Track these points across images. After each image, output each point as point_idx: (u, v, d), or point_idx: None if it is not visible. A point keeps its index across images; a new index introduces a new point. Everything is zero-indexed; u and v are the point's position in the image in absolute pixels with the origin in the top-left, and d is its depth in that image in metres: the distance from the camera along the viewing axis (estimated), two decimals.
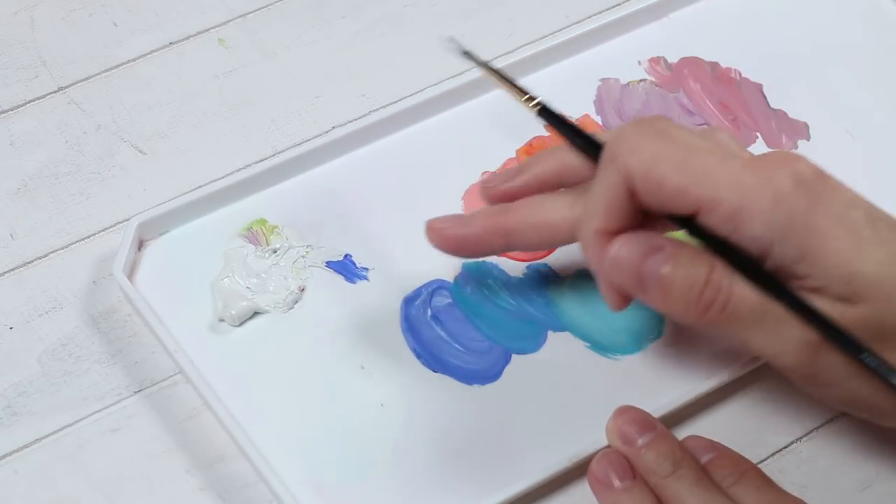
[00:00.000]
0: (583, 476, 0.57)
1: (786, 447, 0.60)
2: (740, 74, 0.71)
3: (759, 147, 0.69)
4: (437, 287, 0.62)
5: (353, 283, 0.62)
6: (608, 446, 0.57)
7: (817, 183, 0.53)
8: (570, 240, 0.57)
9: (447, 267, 0.63)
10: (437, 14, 0.72)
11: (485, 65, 0.61)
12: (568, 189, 0.59)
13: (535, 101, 0.59)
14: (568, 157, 0.58)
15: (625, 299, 0.56)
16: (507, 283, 0.63)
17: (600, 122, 0.69)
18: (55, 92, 0.68)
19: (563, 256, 0.63)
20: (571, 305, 0.62)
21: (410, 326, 0.61)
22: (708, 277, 0.53)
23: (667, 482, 0.55)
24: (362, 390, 0.60)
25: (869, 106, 0.70)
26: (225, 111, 0.68)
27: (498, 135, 0.65)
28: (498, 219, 0.59)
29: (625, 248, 0.54)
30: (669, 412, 0.59)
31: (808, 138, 0.69)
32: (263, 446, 0.57)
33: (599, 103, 0.69)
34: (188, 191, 0.64)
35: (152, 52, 0.70)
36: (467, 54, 0.61)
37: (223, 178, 0.64)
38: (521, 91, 0.60)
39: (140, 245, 0.62)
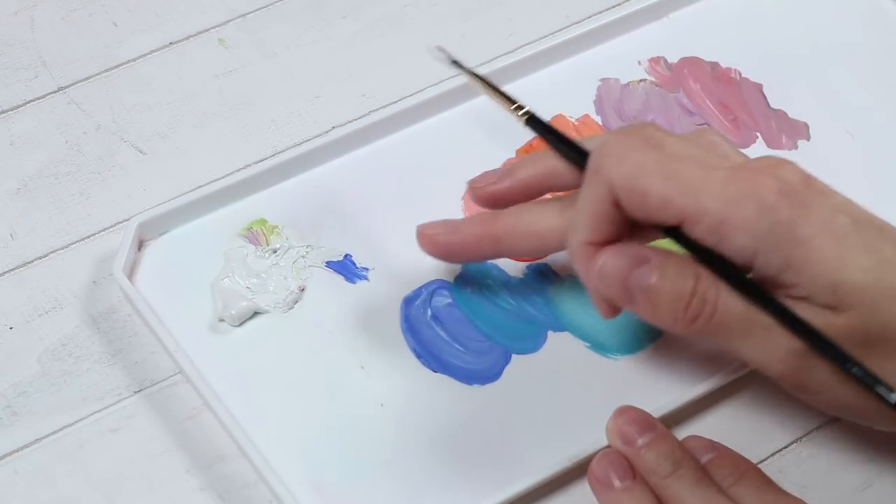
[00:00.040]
0: (583, 476, 0.57)
1: (786, 447, 0.60)
2: (740, 74, 0.71)
3: (759, 147, 0.69)
4: (437, 287, 0.62)
5: (353, 283, 0.62)
6: (608, 446, 0.57)
7: (803, 190, 0.54)
8: (559, 248, 0.58)
9: (447, 267, 0.63)
10: (437, 14, 0.72)
11: (473, 73, 0.61)
12: (557, 197, 0.59)
13: (524, 111, 0.59)
14: (555, 162, 0.59)
15: (615, 309, 0.56)
16: (507, 283, 0.63)
17: (600, 122, 0.69)
18: (55, 92, 0.68)
19: (562, 256, 0.63)
20: (571, 305, 0.62)
21: (410, 326, 0.61)
22: (694, 288, 0.54)
23: (667, 482, 0.55)
24: (362, 390, 0.60)
25: (869, 106, 0.70)
26: (225, 111, 0.68)
27: (498, 135, 0.65)
28: (488, 226, 0.59)
29: (611, 261, 0.55)
30: (669, 412, 0.59)
31: (808, 138, 0.69)
32: (263, 446, 0.57)
33: (599, 103, 0.69)
34: (188, 191, 0.64)
35: (152, 52, 0.70)
36: (456, 63, 0.61)
37: (223, 178, 0.64)
38: (509, 100, 0.60)
39: (140, 245, 0.62)
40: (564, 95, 0.69)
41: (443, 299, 0.62)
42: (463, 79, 0.67)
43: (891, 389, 0.52)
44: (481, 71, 0.65)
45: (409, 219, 0.63)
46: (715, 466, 0.56)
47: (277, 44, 0.71)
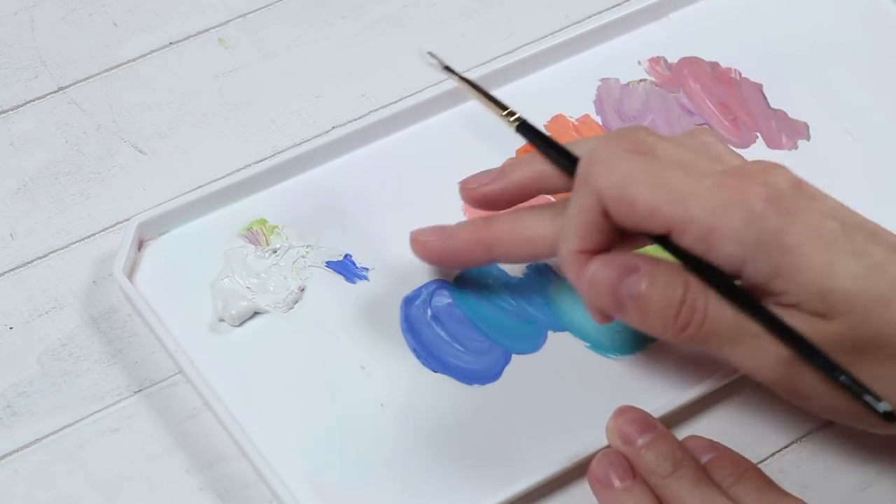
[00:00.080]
0: (583, 476, 0.57)
1: (786, 447, 0.60)
2: (740, 74, 0.71)
3: (759, 147, 0.69)
4: (437, 287, 0.62)
5: (353, 283, 0.62)
6: (608, 446, 0.57)
7: (791, 196, 0.54)
8: (552, 255, 0.58)
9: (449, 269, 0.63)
10: (437, 14, 0.72)
11: (464, 79, 0.61)
12: (550, 204, 0.60)
13: (515, 117, 0.60)
14: (547, 165, 0.59)
15: (608, 316, 0.57)
16: (507, 283, 0.63)
17: (600, 122, 0.69)
18: (55, 92, 0.68)
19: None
20: (571, 305, 0.62)
21: (410, 326, 0.61)
22: (684, 297, 0.54)
23: (667, 482, 0.55)
24: (362, 390, 0.60)
25: (869, 106, 0.70)
26: (225, 111, 0.68)
27: (498, 135, 0.65)
28: (480, 233, 0.60)
29: (601, 271, 0.55)
30: (669, 412, 0.59)
31: (808, 138, 0.69)
32: (263, 446, 0.57)
33: (599, 103, 0.69)
34: (188, 191, 0.64)
35: (152, 52, 0.70)
36: (448, 69, 0.62)
37: (223, 178, 0.64)
38: (501, 106, 0.60)
39: (140, 245, 0.62)
40: (564, 95, 0.69)
41: (443, 299, 0.62)
42: None
43: (878, 398, 0.52)
44: (477, 73, 0.65)
45: (409, 219, 0.63)
46: (715, 466, 0.56)
47: (277, 44, 0.71)
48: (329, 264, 0.63)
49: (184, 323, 0.60)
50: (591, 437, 0.57)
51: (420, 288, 0.62)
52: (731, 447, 0.57)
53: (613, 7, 0.73)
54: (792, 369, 0.53)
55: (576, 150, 0.58)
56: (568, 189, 0.57)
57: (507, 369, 0.61)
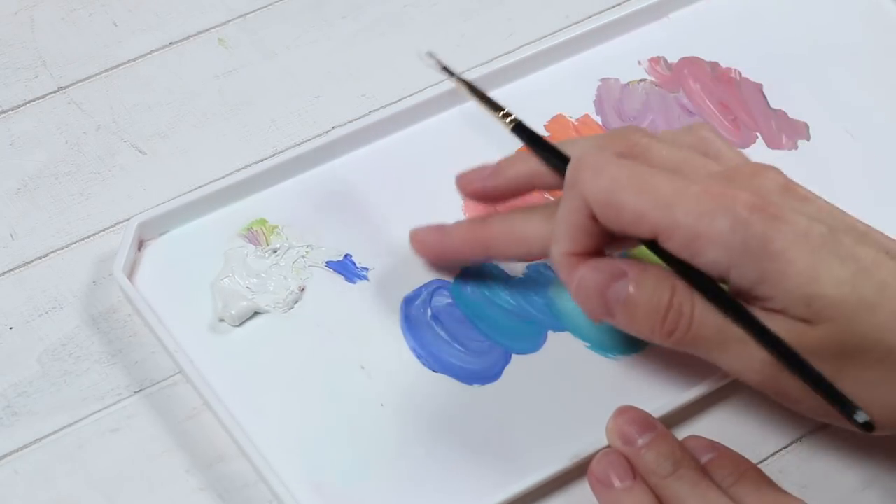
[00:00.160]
0: (583, 476, 0.57)
1: (786, 447, 0.60)
2: (740, 74, 0.71)
3: (759, 147, 0.69)
4: (437, 287, 0.62)
5: (353, 283, 0.62)
6: (608, 446, 0.57)
7: (779, 199, 0.54)
8: (545, 254, 0.58)
9: (447, 267, 0.63)
10: (437, 14, 0.72)
11: (462, 80, 0.61)
12: (545, 204, 0.60)
13: (511, 118, 0.60)
14: (541, 164, 0.59)
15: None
16: (507, 283, 0.63)
17: (600, 122, 0.69)
18: (55, 92, 0.68)
19: None
20: (571, 305, 0.62)
21: (410, 326, 0.61)
22: (670, 302, 0.54)
23: (667, 482, 0.55)
24: (362, 390, 0.60)
25: (869, 106, 0.70)
26: (225, 111, 0.68)
27: (498, 135, 0.65)
28: (476, 231, 0.61)
29: (589, 275, 0.55)
30: (669, 412, 0.59)
31: (808, 138, 0.69)
32: (263, 446, 0.57)
33: (599, 103, 0.69)
34: (188, 191, 0.64)
35: (152, 52, 0.70)
36: (446, 69, 0.62)
37: (223, 178, 0.64)
38: (497, 107, 0.60)
39: (140, 245, 0.62)
40: (564, 95, 0.69)
41: (443, 299, 0.62)
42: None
43: (856, 408, 0.52)
44: (477, 73, 0.66)
45: (409, 219, 0.63)
46: (715, 466, 0.56)
47: (277, 44, 0.71)
48: (329, 264, 0.63)
49: (184, 323, 0.60)
50: (591, 437, 0.57)
51: (420, 288, 0.62)
52: (731, 447, 0.57)
53: (613, 7, 0.73)
54: (778, 373, 0.54)
55: (570, 150, 0.58)
56: (561, 187, 0.57)
57: (507, 369, 0.61)
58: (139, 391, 0.59)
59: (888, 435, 0.56)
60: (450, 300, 0.62)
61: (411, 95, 0.69)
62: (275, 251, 0.63)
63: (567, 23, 0.72)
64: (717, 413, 0.60)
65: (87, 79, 0.69)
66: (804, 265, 0.52)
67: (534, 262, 0.63)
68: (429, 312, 0.62)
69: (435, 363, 0.60)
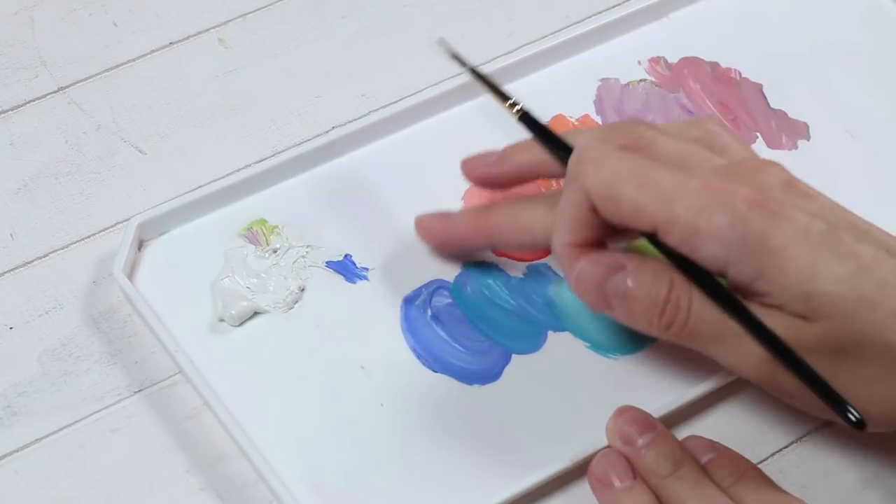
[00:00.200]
0: (583, 476, 0.57)
1: (786, 447, 0.60)
2: (740, 74, 0.71)
3: (759, 147, 0.69)
4: (437, 287, 0.62)
5: (353, 283, 0.62)
6: (608, 446, 0.57)
7: (781, 195, 0.54)
8: (547, 243, 0.58)
9: (447, 267, 0.63)
10: (437, 14, 0.72)
11: (471, 69, 0.61)
12: (549, 194, 0.60)
13: (518, 108, 0.60)
14: (545, 153, 0.60)
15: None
16: (507, 283, 0.63)
17: (600, 122, 0.69)
18: (55, 92, 0.68)
19: None
20: (571, 305, 0.62)
21: (410, 326, 0.61)
22: (668, 296, 0.55)
23: (667, 482, 0.55)
24: (362, 390, 0.60)
25: (869, 106, 0.70)
26: (225, 111, 0.68)
27: (498, 135, 0.65)
28: (480, 220, 0.61)
29: (588, 268, 0.56)
30: (669, 412, 0.59)
31: (808, 138, 0.69)
32: (263, 446, 0.57)
33: (599, 103, 0.69)
34: (188, 191, 0.64)
35: (152, 52, 0.70)
36: (455, 57, 0.62)
37: (223, 178, 0.64)
38: (505, 97, 0.60)
39: (140, 245, 0.62)
40: (564, 95, 0.69)
41: (443, 299, 0.62)
42: (462, 79, 0.68)
43: (849, 406, 0.52)
44: (480, 68, 0.65)
45: (409, 219, 0.63)
46: (715, 466, 0.56)
47: (277, 44, 0.71)
48: (329, 264, 0.63)
49: (184, 323, 0.60)
50: (591, 437, 0.57)
51: (420, 288, 0.62)
52: (731, 447, 0.57)
53: (613, 7, 0.73)
54: (774, 368, 0.54)
55: (574, 141, 0.58)
56: (564, 176, 0.57)
57: (507, 369, 0.61)
58: (139, 391, 0.59)
59: (886, 432, 0.56)
60: (450, 300, 0.62)
61: (411, 95, 0.69)
62: (275, 251, 0.63)
63: (567, 23, 0.72)
64: (718, 413, 0.60)
65: (87, 79, 0.69)
66: (803, 262, 0.53)
67: (534, 262, 0.63)
68: (429, 312, 0.62)
69: (435, 363, 0.60)
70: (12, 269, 0.62)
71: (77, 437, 0.58)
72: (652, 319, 0.55)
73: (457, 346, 0.61)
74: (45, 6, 0.71)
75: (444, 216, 0.62)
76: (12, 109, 0.67)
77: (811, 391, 0.53)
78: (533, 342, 0.61)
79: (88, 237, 0.64)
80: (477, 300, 0.62)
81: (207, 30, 0.71)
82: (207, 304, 0.61)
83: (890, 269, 0.53)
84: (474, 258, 0.63)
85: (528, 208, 0.60)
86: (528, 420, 0.59)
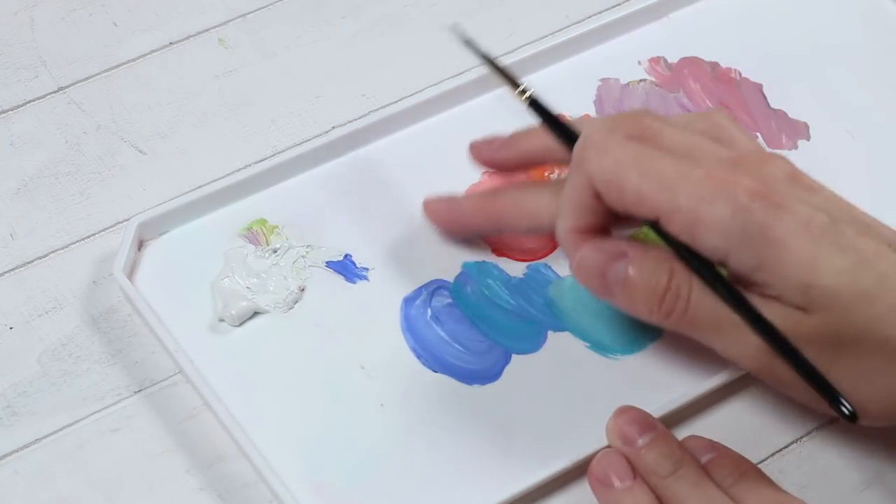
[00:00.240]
0: (583, 476, 0.57)
1: (786, 447, 0.60)
2: (740, 74, 0.71)
3: None
4: (437, 287, 0.62)
5: (353, 283, 0.62)
6: (608, 446, 0.57)
7: (784, 188, 0.54)
8: (552, 228, 0.59)
9: (447, 267, 0.63)
10: (437, 14, 0.72)
11: (484, 55, 0.61)
12: (553, 181, 0.61)
13: (527, 94, 0.60)
14: (552, 140, 0.60)
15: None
16: (507, 283, 0.63)
17: None
18: (55, 92, 0.68)
19: (563, 256, 0.63)
20: (571, 305, 0.62)
21: (410, 326, 0.61)
22: (668, 284, 0.55)
23: (667, 482, 0.55)
24: (362, 390, 0.60)
25: (869, 106, 0.70)
26: (225, 111, 0.68)
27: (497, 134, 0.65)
28: (487, 204, 0.62)
29: (589, 254, 0.56)
30: (669, 412, 0.59)
31: (808, 138, 0.69)
32: (263, 446, 0.57)
33: (599, 103, 0.69)
34: (188, 191, 0.64)
35: (152, 52, 0.70)
36: (468, 43, 0.62)
37: (223, 178, 0.64)
38: (515, 83, 0.61)
39: (140, 245, 0.62)
40: (564, 95, 0.69)
41: (443, 299, 0.62)
42: (463, 79, 0.68)
43: (842, 398, 0.52)
44: (477, 73, 0.66)
45: (409, 219, 0.63)
46: (715, 466, 0.56)
47: (277, 44, 0.71)
48: (329, 264, 0.63)
49: (184, 323, 0.60)
50: (591, 437, 0.57)
51: (420, 288, 0.62)
52: (731, 447, 0.57)
53: (613, 7, 0.73)
54: (772, 359, 0.54)
55: (582, 128, 0.59)
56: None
57: (507, 369, 0.61)
58: (139, 391, 0.59)
59: (886, 430, 0.56)
60: (450, 300, 0.62)
61: (411, 95, 0.69)
62: (275, 251, 0.63)
63: (567, 23, 0.72)
64: (718, 413, 0.60)
65: (87, 79, 0.69)
66: (803, 254, 0.53)
67: (534, 262, 0.63)
68: (429, 312, 0.62)
69: (435, 363, 0.60)
70: (12, 269, 0.62)
71: (77, 437, 0.58)
72: (652, 307, 0.55)
73: (457, 345, 0.61)
74: (45, 6, 0.71)
75: (452, 199, 0.63)
76: (12, 109, 0.67)
77: (806, 383, 0.53)
78: (533, 342, 0.61)
79: (88, 237, 0.64)
80: (477, 300, 0.62)
81: (207, 30, 0.71)
82: (207, 304, 0.61)
83: (891, 263, 0.53)
84: (477, 244, 0.63)
85: (535, 193, 0.60)
86: (528, 420, 0.59)
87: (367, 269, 0.63)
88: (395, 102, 0.68)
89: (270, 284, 0.62)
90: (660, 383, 0.60)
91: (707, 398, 0.60)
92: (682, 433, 0.58)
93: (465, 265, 0.63)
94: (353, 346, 0.61)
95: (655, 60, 0.71)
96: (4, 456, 0.58)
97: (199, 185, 0.64)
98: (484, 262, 0.63)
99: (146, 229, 0.62)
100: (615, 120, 0.59)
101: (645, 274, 0.55)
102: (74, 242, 0.63)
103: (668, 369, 0.61)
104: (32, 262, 0.63)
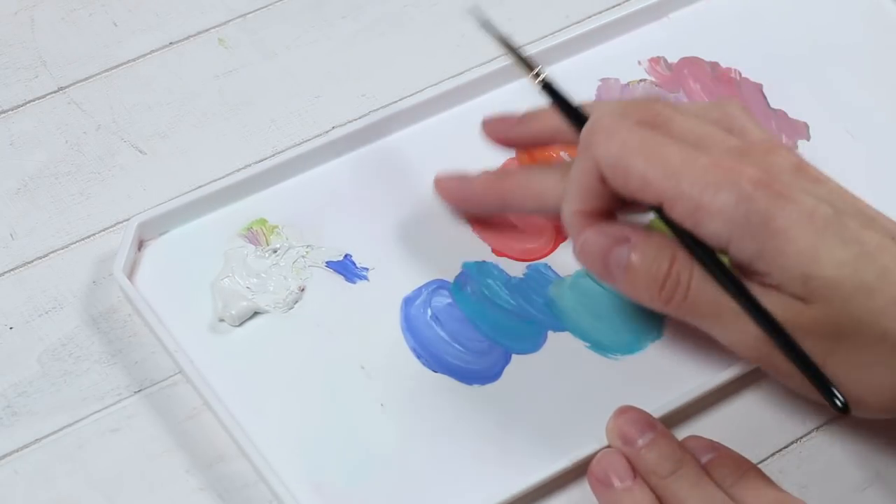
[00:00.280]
0: (583, 476, 0.57)
1: (786, 447, 0.60)
2: (740, 74, 0.71)
3: None
4: (437, 287, 0.62)
5: (353, 283, 0.62)
6: (608, 446, 0.57)
7: (789, 179, 0.54)
8: (558, 209, 0.59)
9: (447, 267, 0.63)
10: (437, 14, 0.72)
11: (501, 37, 0.62)
12: (561, 163, 0.61)
13: (541, 77, 0.60)
14: (563, 122, 0.60)
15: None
16: (507, 283, 0.63)
17: None
18: (55, 92, 0.68)
19: (563, 256, 0.64)
20: (571, 305, 0.62)
21: (410, 326, 0.61)
22: (669, 270, 0.55)
23: (667, 482, 0.55)
24: (362, 390, 0.60)
25: (869, 106, 0.70)
26: (225, 111, 0.68)
27: None
28: (496, 182, 0.62)
29: (592, 238, 0.57)
30: (669, 412, 0.59)
31: (808, 138, 0.69)
32: (263, 446, 0.57)
33: None
34: (188, 191, 0.64)
35: (152, 52, 0.70)
36: (486, 25, 0.62)
37: (223, 178, 0.64)
38: (530, 66, 0.61)
39: (140, 245, 0.62)
40: None
41: (443, 299, 0.62)
42: (462, 79, 0.68)
43: (834, 389, 0.53)
44: (478, 73, 0.66)
45: (409, 219, 0.63)
46: (715, 466, 0.56)
47: (277, 44, 0.71)
48: (329, 264, 0.63)
49: (184, 323, 0.60)
50: (591, 437, 0.57)
51: (420, 288, 0.62)
52: (731, 447, 0.57)
53: (613, 7, 0.73)
54: (771, 349, 0.54)
55: (592, 112, 0.59)
56: None
57: (507, 369, 0.61)
58: (139, 391, 0.59)
59: (884, 420, 0.56)
60: (450, 300, 0.62)
61: (411, 95, 0.69)
62: (275, 251, 0.63)
63: (567, 23, 0.72)
64: (718, 413, 0.60)
65: (87, 79, 0.69)
66: (804, 244, 0.53)
67: (534, 262, 0.63)
68: (429, 312, 0.62)
69: (435, 363, 0.60)
70: (12, 269, 0.62)
71: (77, 437, 0.58)
72: (652, 293, 0.56)
73: (457, 346, 0.61)
74: (45, 6, 0.71)
75: (462, 177, 0.63)
76: (12, 109, 0.67)
77: (801, 372, 0.53)
78: (533, 342, 0.61)
79: (88, 237, 0.64)
80: (477, 300, 0.62)
81: (207, 30, 0.71)
82: (207, 304, 0.61)
83: (893, 256, 0.54)
84: (478, 243, 0.63)
85: (543, 175, 0.61)
86: (528, 420, 0.59)
87: (367, 269, 0.63)
88: (395, 102, 0.68)
89: (270, 284, 0.62)
90: (660, 383, 0.60)
91: (707, 398, 0.60)
92: (682, 433, 0.58)
93: (465, 265, 0.63)
94: (353, 346, 0.61)
95: (655, 60, 0.71)
96: (4, 456, 0.58)
97: (199, 185, 0.64)
98: (484, 262, 0.63)
99: (146, 229, 0.62)
100: (627, 106, 0.59)
101: (647, 259, 0.56)
102: (74, 242, 0.63)
103: (668, 369, 0.61)
104: (32, 262, 0.63)
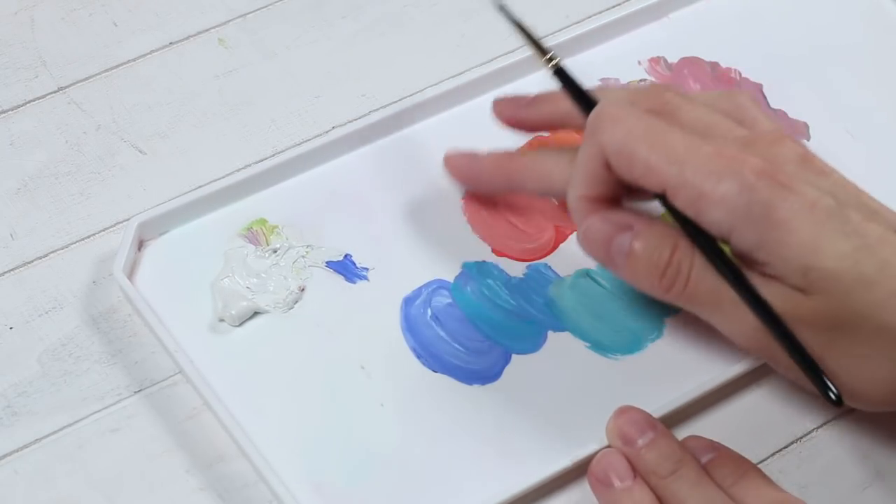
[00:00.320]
0: (583, 476, 0.57)
1: (786, 447, 0.60)
2: (740, 74, 0.71)
3: None
4: (437, 287, 0.62)
5: (353, 283, 0.62)
6: (608, 446, 0.57)
7: (794, 170, 0.54)
8: (564, 193, 0.59)
9: (447, 267, 0.63)
10: (437, 14, 0.72)
11: (516, 22, 0.62)
12: (570, 147, 0.61)
13: (554, 62, 0.61)
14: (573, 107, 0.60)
15: None
16: (507, 283, 0.63)
17: None
18: (55, 92, 0.68)
19: (563, 256, 0.63)
20: (571, 305, 0.62)
21: (410, 326, 0.61)
22: (670, 258, 0.56)
23: (667, 482, 0.55)
24: (362, 390, 0.60)
25: (869, 106, 0.70)
26: (225, 111, 0.68)
27: (498, 135, 0.65)
28: (504, 162, 0.63)
29: (596, 225, 0.57)
30: (669, 412, 0.59)
31: (808, 138, 0.69)
32: (263, 446, 0.57)
33: None
34: (188, 191, 0.64)
35: (152, 52, 0.70)
36: (503, 9, 0.62)
37: (223, 178, 0.64)
38: (544, 51, 0.61)
39: (140, 245, 0.62)
40: None
41: (443, 299, 0.62)
42: (462, 79, 0.68)
43: (827, 381, 0.53)
44: (477, 73, 0.66)
45: (409, 219, 0.63)
46: (715, 466, 0.56)
47: (277, 44, 0.71)
48: (329, 264, 0.63)
49: (184, 323, 0.60)
50: (591, 437, 0.57)
51: (420, 288, 0.62)
52: (731, 447, 0.57)
53: (613, 7, 0.73)
54: (769, 339, 0.55)
55: (600, 98, 0.59)
56: None
57: (507, 369, 0.61)
58: (139, 391, 0.59)
59: (882, 413, 0.56)
60: (450, 300, 0.62)
61: (411, 95, 0.68)
62: (275, 251, 0.63)
63: (567, 23, 0.72)
64: (718, 413, 0.60)
65: (87, 79, 0.69)
66: (806, 236, 0.53)
67: (534, 262, 0.63)
68: (429, 312, 0.62)
69: (435, 363, 0.60)
70: (12, 269, 0.62)
71: (77, 437, 0.58)
72: (653, 281, 0.56)
73: (457, 345, 0.61)
74: (45, 6, 0.71)
75: (471, 155, 0.64)
76: (12, 109, 0.67)
77: (796, 363, 0.54)
78: (533, 342, 0.61)
79: (88, 237, 0.64)
80: (477, 300, 0.62)
81: (207, 30, 0.71)
82: (207, 304, 0.61)
83: (894, 249, 0.54)
84: (478, 243, 0.63)
85: (552, 157, 0.61)
86: (528, 420, 0.59)
87: (367, 269, 0.63)
88: (395, 102, 0.68)
89: (270, 284, 0.62)
90: (660, 383, 0.60)
91: (707, 398, 0.60)
92: (682, 433, 0.58)
93: (465, 265, 0.63)
94: (353, 346, 0.61)
95: (655, 60, 0.71)
96: (4, 456, 0.58)
97: (199, 185, 0.64)
98: (484, 262, 0.63)
99: (146, 229, 0.62)
100: (636, 93, 0.59)
101: (648, 247, 0.56)
102: (74, 242, 0.63)
103: (668, 369, 0.61)
104: (32, 262, 0.63)
